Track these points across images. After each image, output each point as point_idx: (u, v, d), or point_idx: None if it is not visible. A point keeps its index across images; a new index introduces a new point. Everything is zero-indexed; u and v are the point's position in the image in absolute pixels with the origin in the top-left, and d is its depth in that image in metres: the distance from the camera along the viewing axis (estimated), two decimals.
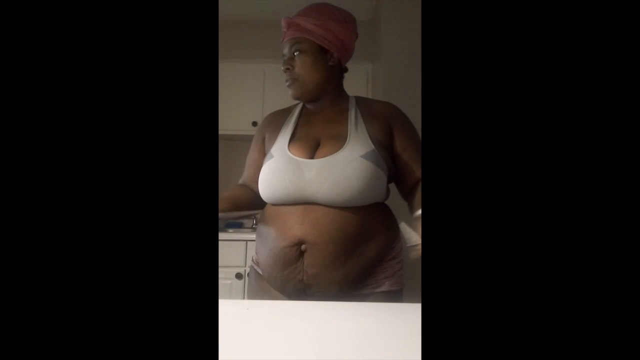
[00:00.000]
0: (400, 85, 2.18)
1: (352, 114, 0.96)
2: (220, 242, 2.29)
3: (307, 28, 0.95)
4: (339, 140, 0.91)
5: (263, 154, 1.01)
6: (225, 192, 1.00)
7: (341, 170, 0.84)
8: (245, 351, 0.43)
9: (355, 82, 2.64)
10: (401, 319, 0.57)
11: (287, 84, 0.98)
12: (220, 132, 2.73)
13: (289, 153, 0.91)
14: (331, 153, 0.88)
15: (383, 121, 0.96)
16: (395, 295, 0.90)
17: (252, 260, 1.00)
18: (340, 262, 0.84)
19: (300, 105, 1.04)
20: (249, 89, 2.78)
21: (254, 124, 2.72)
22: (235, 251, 2.30)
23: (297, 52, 0.96)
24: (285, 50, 0.98)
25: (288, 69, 0.97)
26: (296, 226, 0.86)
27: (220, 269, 2.24)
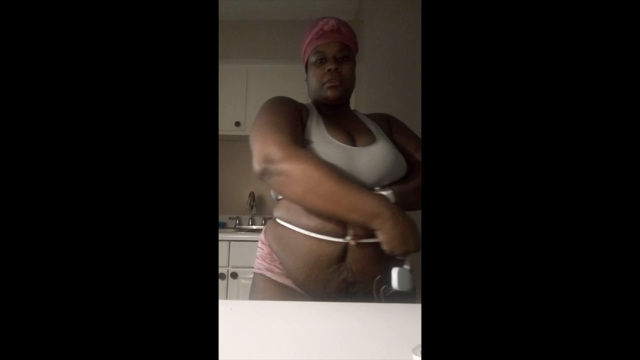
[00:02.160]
0: (384, 85, 2.20)
1: (362, 117, 1.05)
2: None
3: (351, 40, 1.01)
4: (368, 134, 0.96)
5: (301, 126, 0.91)
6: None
7: (386, 159, 0.88)
8: (227, 351, 0.43)
9: None
10: (400, 319, 0.57)
11: (332, 84, 0.97)
12: None
13: (333, 139, 0.89)
14: (371, 143, 0.92)
15: (385, 122, 1.06)
16: (411, 294, 0.89)
17: (259, 268, 0.94)
18: (379, 255, 0.81)
19: (312, 106, 1.03)
20: (232, 89, 2.76)
21: (237, 124, 2.71)
22: (219, 252, 2.28)
23: (344, 58, 0.99)
24: (329, 50, 0.98)
25: (336, 69, 0.97)
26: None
27: None
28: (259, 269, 0.94)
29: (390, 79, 2.20)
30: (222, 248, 2.29)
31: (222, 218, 2.97)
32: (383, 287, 0.80)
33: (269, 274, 0.91)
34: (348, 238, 0.81)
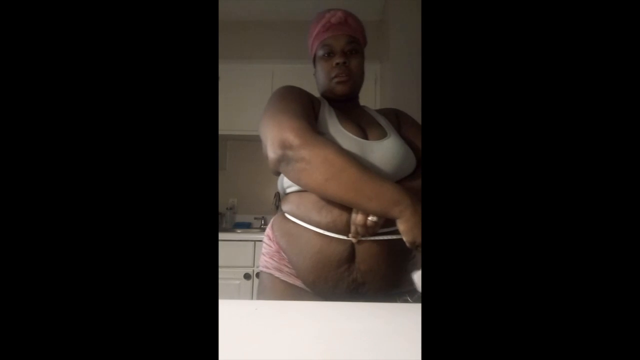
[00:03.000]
0: (409, 85, 2.18)
1: (372, 113, 1.01)
2: (228, 243, 2.30)
3: (359, 32, 0.98)
4: (379, 129, 0.93)
5: (314, 115, 0.90)
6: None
7: (398, 153, 0.85)
8: (249, 352, 0.43)
9: (364, 82, 2.64)
10: (401, 319, 0.57)
11: (341, 78, 0.95)
12: (228, 132, 2.76)
13: (346, 132, 0.87)
14: (382, 137, 0.89)
15: (394, 117, 1.02)
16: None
17: (266, 266, 0.91)
18: (387, 252, 0.80)
19: (323, 99, 1.01)
20: (258, 89, 2.79)
21: None
22: (244, 251, 2.31)
23: (353, 51, 0.97)
24: (336, 43, 0.96)
25: (345, 62, 0.95)
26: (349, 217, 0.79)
27: (228, 269, 2.26)
28: (267, 267, 0.91)
29: (415, 78, 2.18)
30: (248, 248, 2.31)
31: (247, 218, 3.00)
32: (407, 294, 0.78)
33: (277, 274, 0.88)
34: (350, 235, 0.78)
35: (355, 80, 0.98)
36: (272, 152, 0.76)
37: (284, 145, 0.75)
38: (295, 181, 0.79)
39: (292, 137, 0.74)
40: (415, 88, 2.15)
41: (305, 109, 0.84)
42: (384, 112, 1.05)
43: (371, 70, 2.70)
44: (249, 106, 2.77)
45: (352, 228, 0.77)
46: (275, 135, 0.76)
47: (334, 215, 0.79)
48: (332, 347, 0.45)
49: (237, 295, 2.27)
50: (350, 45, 0.96)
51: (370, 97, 2.63)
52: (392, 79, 2.26)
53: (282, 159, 0.76)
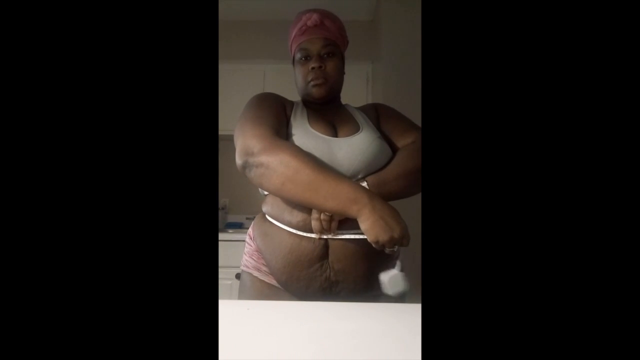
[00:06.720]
0: (401, 86, 2.19)
1: (352, 110, 1.02)
2: (220, 243, 2.29)
3: (336, 34, 0.97)
4: (353, 125, 0.94)
5: (285, 119, 0.93)
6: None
7: (367, 148, 0.86)
8: (245, 352, 0.43)
9: (356, 83, 2.65)
10: (401, 319, 0.57)
11: (316, 82, 0.95)
12: (220, 132, 2.74)
13: (313, 131, 0.89)
14: (352, 134, 0.90)
15: (374, 111, 1.03)
16: (400, 296, 0.88)
17: (246, 265, 0.93)
18: (364, 252, 0.80)
19: (299, 102, 1.03)
20: (249, 90, 2.75)
21: None
22: (235, 251, 2.29)
23: (329, 54, 0.96)
24: (312, 47, 0.96)
25: (320, 67, 0.94)
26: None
27: (220, 270, 2.24)
28: (247, 267, 0.93)
29: (407, 78, 2.19)
30: (240, 248, 2.29)
31: (239, 218, 2.99)
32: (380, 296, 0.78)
33: (256, 273, 0.90)
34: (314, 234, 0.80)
35: (331, 83, 0.97)
36: (238, 159, 0.81)
37: (247, 152, 0.79)
38: (259, 186, 0.82)
39: (253, 144, 0.79)
40: (407, 88, 2.16)
41: (273, 115, 0.88)
42: (364, 108, 1.06)
43: (363, 70, 2.70)
44: (241, 107, 2.75)
45: (313, 223, 0.80)
46: (240, 143, 0.81)
47: (304, 214, 0.81)
48: (329, 348, 0.45)
49: (229, 295, 2.26)
50: (326, 49, 0.96)
51: (361, 97, 2.63)
52: (383, 79, 2.26)
53: (246, 166, 0.80)
